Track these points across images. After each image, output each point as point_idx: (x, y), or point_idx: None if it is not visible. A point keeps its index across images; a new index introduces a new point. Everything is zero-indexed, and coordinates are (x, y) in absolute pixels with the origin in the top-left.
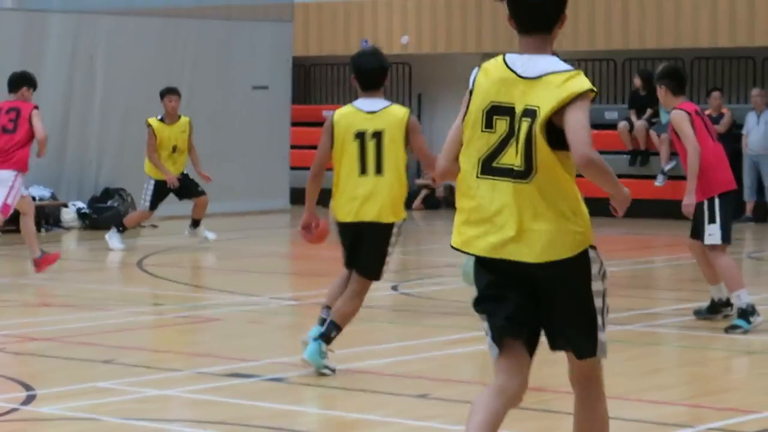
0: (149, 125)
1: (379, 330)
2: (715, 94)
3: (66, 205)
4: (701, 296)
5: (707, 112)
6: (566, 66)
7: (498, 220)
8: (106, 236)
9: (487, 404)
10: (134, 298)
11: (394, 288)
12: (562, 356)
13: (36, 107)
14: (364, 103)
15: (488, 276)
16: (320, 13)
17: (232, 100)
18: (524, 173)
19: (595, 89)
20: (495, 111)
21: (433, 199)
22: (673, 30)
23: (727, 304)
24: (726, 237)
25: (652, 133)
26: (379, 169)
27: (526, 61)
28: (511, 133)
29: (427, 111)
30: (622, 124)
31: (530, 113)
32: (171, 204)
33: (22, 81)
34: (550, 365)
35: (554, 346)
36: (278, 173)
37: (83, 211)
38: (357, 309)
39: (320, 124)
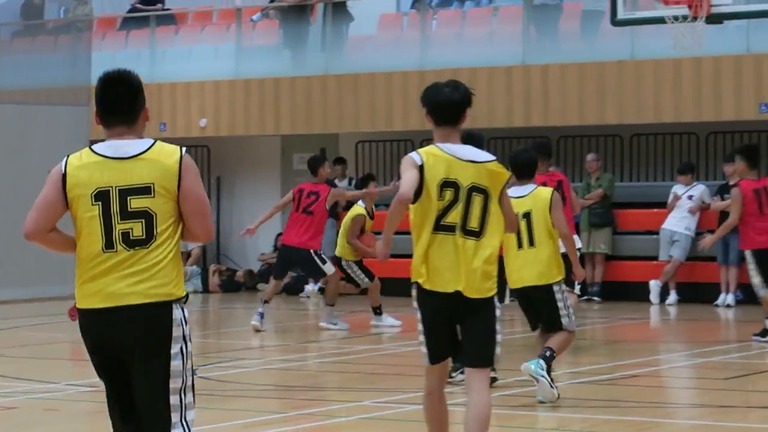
0: (359, 214)
1: None
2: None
3: None
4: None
5: None
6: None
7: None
8: (325, 319)
9: None
10: None
11: (194, 372)
12: None
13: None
14: (515, 191)
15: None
16: None
17: (30, 184)
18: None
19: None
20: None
21: (233, 282)
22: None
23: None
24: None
25: None
26: (531, 242)
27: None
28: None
29: (225, 193)
30: None
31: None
32: None
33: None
34: None
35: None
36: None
37: None
38: (570, 341)
39: None
